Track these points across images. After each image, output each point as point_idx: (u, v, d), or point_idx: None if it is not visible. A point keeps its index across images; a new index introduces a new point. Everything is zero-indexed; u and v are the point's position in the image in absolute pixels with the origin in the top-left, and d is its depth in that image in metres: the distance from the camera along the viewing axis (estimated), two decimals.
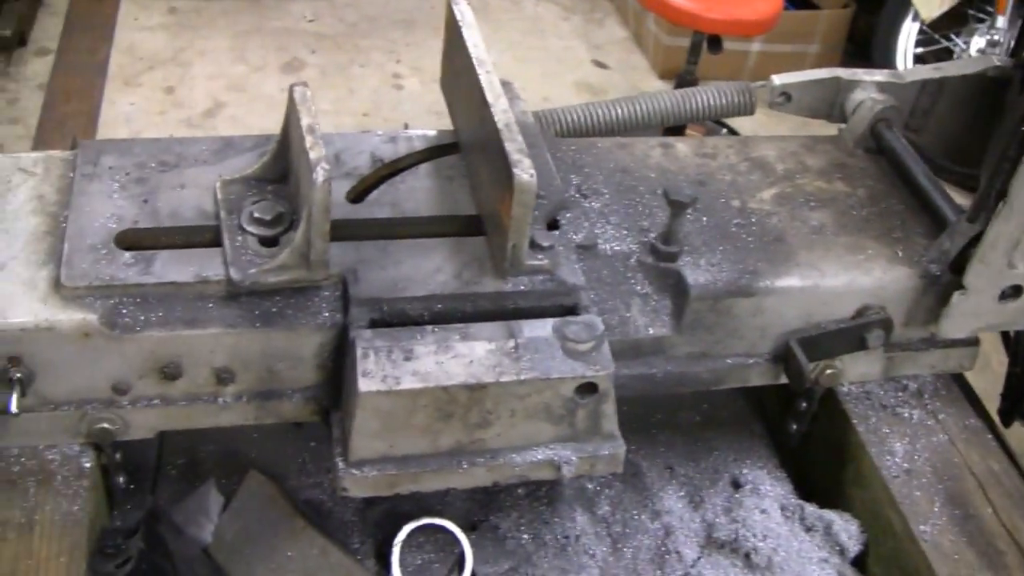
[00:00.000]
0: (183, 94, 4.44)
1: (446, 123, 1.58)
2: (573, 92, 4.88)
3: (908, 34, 5.00)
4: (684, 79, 4.14)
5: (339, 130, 1.59)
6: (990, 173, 1.37)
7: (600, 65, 5.15)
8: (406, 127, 2.25)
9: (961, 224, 1.43)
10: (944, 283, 1.44)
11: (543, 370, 1.23)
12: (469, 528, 1.44)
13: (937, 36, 4.83)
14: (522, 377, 1.22)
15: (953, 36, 4.75)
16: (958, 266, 1.42)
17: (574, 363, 1.24)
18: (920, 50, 4.92)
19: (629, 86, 4.96)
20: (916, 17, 4.91)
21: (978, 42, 4.48)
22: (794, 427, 1.57)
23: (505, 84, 1.59)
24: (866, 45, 5.26)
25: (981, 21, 4.59)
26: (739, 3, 4.00)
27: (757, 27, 4.04)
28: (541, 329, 1.26)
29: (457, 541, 1.41)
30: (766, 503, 1.48)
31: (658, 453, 1.60)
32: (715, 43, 4.06)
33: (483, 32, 1.47)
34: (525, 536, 1.45)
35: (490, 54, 1.42)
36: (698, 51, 4.14)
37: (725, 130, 4.39)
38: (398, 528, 1.41)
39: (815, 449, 1.59)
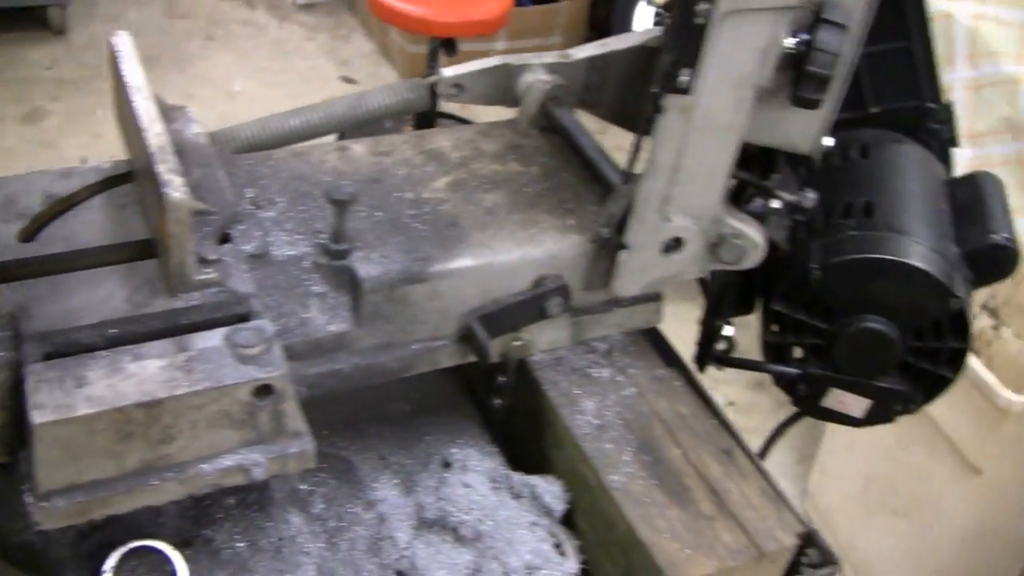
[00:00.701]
0: None
1: None
2: None
3: (644, 17, 5.16)
4: None
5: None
6: (637, 136, 1.45)
7: (348, 80, 5.20)
8: (83, 161, 2.23)
9: (620, 187, 1.51)
10: (614, 245, 1.51)
11: (216, 378, 1.26)
12: (184, 545, 1.46)
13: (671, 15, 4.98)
14: (196, 388, 1.24)
15: None
16: (624, 228, 1.49)
17: (246, 368, 1.27)
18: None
19: None
20: (650, 1, 5.08)
21: None
22: (497, 402, 1.62)
23: (178, 108, 1.63)
24: (607, 32, 5.41)
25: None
26: (469, 4, 4.07)
27: (488, 26, 4.12)
28: (212, 340, 1.29)
29: (169, 560, 1.43)
30: (470, 477, 1.54)
31: (371, 446, 1.64)
32: (450, 46, 4.14)
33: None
34: (240, 544, 1.47)
35: (147, 83, 1.45)
36: (436, 57, 4.21)
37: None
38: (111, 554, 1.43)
39: (519, 420, 1.66)
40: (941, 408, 2.94)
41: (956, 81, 3.58)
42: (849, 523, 3.51)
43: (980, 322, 3.57)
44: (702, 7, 1.29)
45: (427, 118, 3.78)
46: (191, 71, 5.12)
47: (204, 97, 4.95)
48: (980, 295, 3.53)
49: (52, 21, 5.26)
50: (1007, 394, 2.79)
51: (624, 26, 5.14)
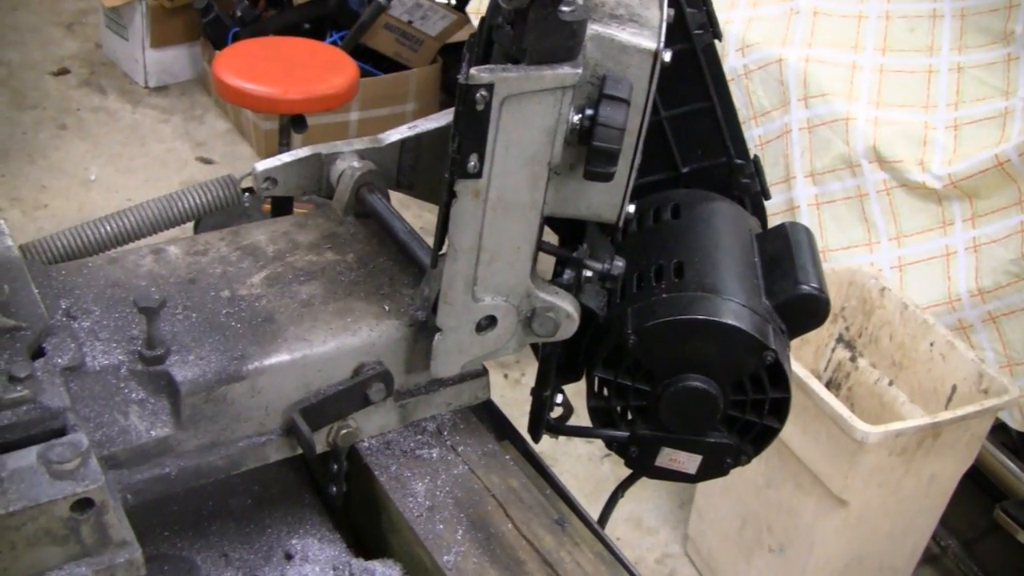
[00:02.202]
0: None
1: None
2: None
3: None
4: None
5: None
6: (438, 219, 1.48)
7: (205, 161, 5.19)
8: None
9: (430, 271, 1.54)
10: (431, 327, 1.54)
11: (32, 497, 1.25)
12: None
13: None
14: (11, 509, 1.24)
15: None
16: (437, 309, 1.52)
17: (62, 483, 1.27)
18: None
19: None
20: None
21: None
22: (333, 489, 1.64)
23: None
24: None
25: None
26: (314, 81, 4.10)
27: (335, 100, 4.15)
28: (24, 459, 1.29)
29: None
30: (309, 568, 1.55)
31: (212, 544, 1.63)
32: (299, 123, 4.16)
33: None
34: None
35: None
36: (287, 133, 4.22)
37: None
38: None
39: (357, 505, 1.67)
40: (805, 443, 3.02)
41: (793, 122, 3.68)
42: (730, 564, 3.56)
43: (837, 354, 3.67)
44: (480, 95, 1.32)
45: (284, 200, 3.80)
46: (44, 162, 5.07)
47: (60, 188, 4.90)
48: (834, 328, 3.63)
49: None
50: (862, 427, 2.86)
51: None
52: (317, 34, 5.35)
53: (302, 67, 4.12)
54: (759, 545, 3.39)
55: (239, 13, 5.50)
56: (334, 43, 5.32)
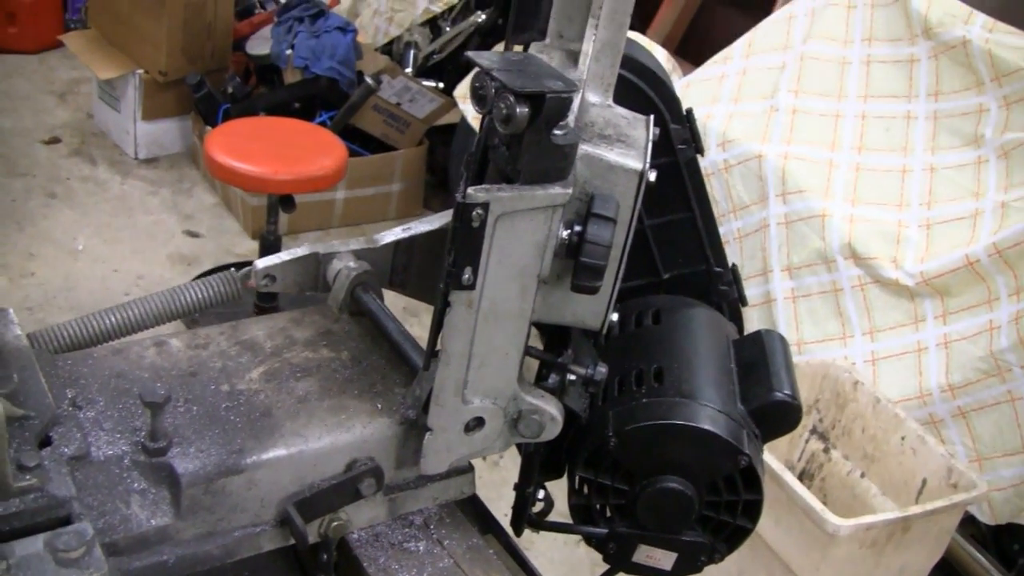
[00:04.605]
0: None
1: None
2: (167, 264, 4.96)
3: None
4: (266, 240, 4.27)
5: None
6: (432, 325, 1.55)
7: (192, 234, 5.25)
8: None
9: (422, 372, 1.61)
10: (421, 426, 1.60)
11: None
12: None
13: None
14: None
15: None
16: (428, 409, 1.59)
17: (67, 571, 1.33)
18: None
19: (223, 251, 5.07)
20: None
21: None
22: None
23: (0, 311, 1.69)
24: (444, 175, 5.55)
25: None
26: (303, 162, 4.16)
27: (324, 181, 4.21)
28: (32, 546, 1.35)
29: None
30: None
31: None
32: (288, 202, 4.22)
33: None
34: None
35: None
36: (276, 211, 4.27)
37: None
38: None
39: None
40: (778, 535, 3.08)
41: (771, 217, 3.77)
42: None
43: (811, 445, 3.73)
44: (476, 212, 1.39)
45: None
46: (32, 230, 5.13)
47: (47, 256, 4.96)
48: (808, 420, 3.69)
49: None
50: (834, 520, 2.93)
51: (459, 169, 5.28)
52: (307, 113, 5.45)
53: (292, 148, 4.20)
54: None
55: (230, 89, 5.60)
56: (323, 123, 5.42)
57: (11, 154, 5.78)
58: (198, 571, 1.56)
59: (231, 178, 4.12)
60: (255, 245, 4.98)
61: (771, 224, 3.75)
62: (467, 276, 1.45)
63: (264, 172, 4.03)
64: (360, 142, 5.56)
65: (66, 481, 1.45)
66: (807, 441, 3.72)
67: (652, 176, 1.51)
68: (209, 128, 5.06)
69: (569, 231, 1.47)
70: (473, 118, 5.01)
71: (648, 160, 1.51)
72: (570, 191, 1.44)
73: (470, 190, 1.41)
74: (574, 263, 1.47)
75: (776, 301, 3.76)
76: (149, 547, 1.51)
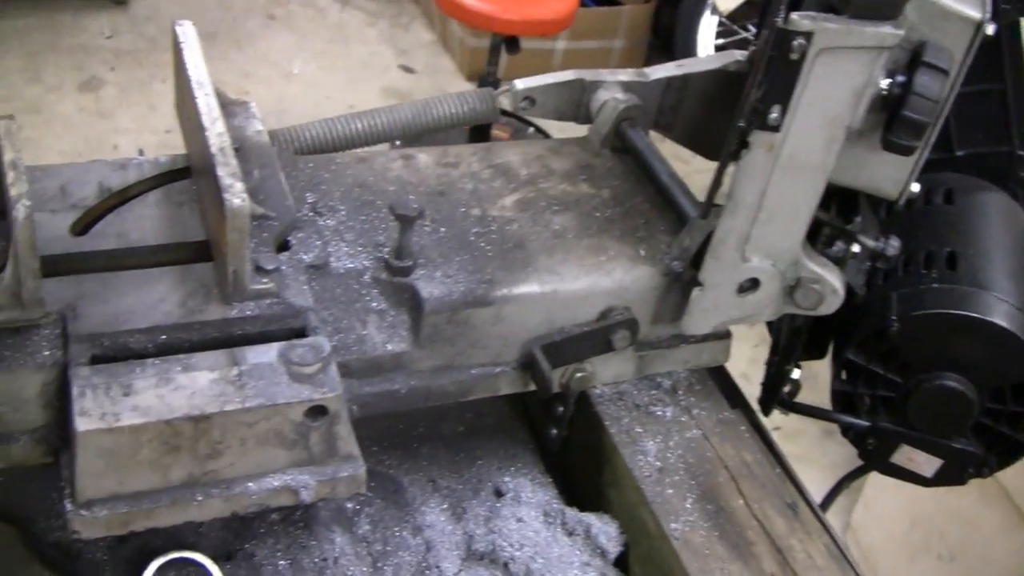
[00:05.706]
0: None
1: None
2: (380, 97, 4.86)
3: (708, 26, 5.08)
4: (486, 81, 4.18)
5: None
6: (718, 168, 1.38)
7: (407, 69, 5.14)
8: (140, 153, 2.19)
9: (697, 221, 1.44)
10: (687, 280, 1.44)
11: (268, 396, 1.19)
12: (224, 558, 1.40)
13: (736, 27, 4.91)
14: (247, 405, 1.18)
15: (752, 27, 4.84)
16: (698, 263, 1.42)
17: (300, 387, 1.21)
18: (720, 41, 5.00)
19: (436, 89, 4.95)
20: (715, 10, 5.00)
21: None
22: (554, 432, 1.56)
23: (240, 104, 1.56)
24: (670, 38, 5.33)
25: None
26: (534, 3, 4.01)
27: (552, 26, 4.07)
28: (265, 355, 1.23)
29: (209, 573, 1.37)
30: (523, 511, 1.47)
31: (420, 467, 1.57)
32: (512, 44, 4.09)
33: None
34: (282, 562, 1.40)
35: (209, 77, 1.38)
36: (498, 52, 4.16)
37: (532, 129, 4.41)
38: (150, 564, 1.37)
39: (576, 453, 1.59)
40: (1020, 482, 2.86)
41: None
42: (891, 563, 3.42)
43: None
44: (798, 42, 1.21)
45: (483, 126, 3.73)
46: (250, 50, 5.08)
47: (262, 77, 4.90)
48: None
49: None
50: None
51: (688, 33, 5.07)
52: None
53: None
54: (927, 549, 3.25)
55: None
56: None
57: None
58: (427, 405, 1.44)
59: (456, 12, 3.98)
60: (470, 87, 4.85)
61: None
62: (774, 115, 1.27)
63: (492, 9, 3.88)
64: None
65: (303, 290, 1.32)
66: None
67: (991, 29, 1.30)
68: None
69: (891, 80, 1.27)
70: None
71: (989, 10, 1.30)
72: (901, 32, 1.25)
73: (794, 15, 1.22)
74: (888, 118, 1.28)
75: None
76: (382, 373, 1.38)
